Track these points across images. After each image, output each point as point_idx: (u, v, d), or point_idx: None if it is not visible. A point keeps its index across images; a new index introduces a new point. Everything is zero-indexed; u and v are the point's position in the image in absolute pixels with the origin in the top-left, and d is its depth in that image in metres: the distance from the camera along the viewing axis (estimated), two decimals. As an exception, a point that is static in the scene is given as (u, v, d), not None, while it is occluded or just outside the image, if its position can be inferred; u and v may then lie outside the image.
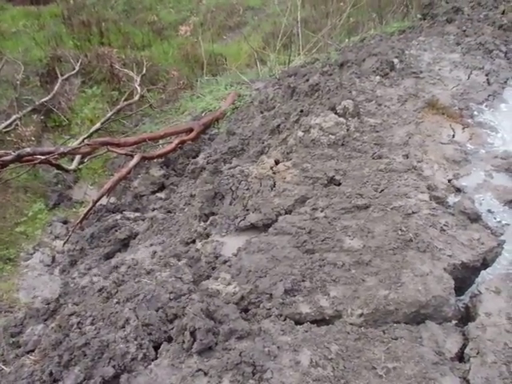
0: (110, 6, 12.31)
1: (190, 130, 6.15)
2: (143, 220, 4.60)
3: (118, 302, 2.87)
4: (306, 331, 2.53)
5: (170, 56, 10.25)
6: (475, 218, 3.25)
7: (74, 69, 8.24)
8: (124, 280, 3.19)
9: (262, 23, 11.72)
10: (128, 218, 4.78)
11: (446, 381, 2.27)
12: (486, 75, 5.20)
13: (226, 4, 13.06)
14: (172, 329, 2.63)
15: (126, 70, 8.39)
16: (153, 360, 2.51)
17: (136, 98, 7.64)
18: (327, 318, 2.65)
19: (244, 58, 9.71)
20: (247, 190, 3.65)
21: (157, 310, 2.74)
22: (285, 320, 2.63)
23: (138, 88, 7.75)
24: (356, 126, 4.13)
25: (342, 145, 3.96)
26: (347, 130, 4.06)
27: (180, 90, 8.37)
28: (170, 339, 2.61)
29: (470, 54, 5.58)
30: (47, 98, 7.34)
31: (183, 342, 2.46)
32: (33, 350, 2.95)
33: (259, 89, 6.77)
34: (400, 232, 3.02)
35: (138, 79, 7.97)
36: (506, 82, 5.13)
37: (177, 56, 10.24)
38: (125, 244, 4.23)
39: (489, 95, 4.87)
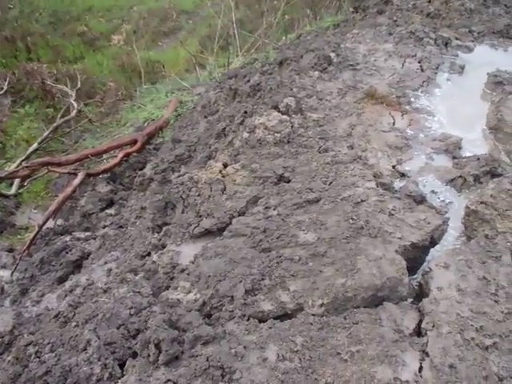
0: (34, 19, 11.87)
1: (134, 142, 6.04)
2: (94, 239, 4.48)
3: (76, 325, 2.80)
4: (270, 328, 2.56)
5: (104, 67, 10.06)
6: (420, 199, 3.38)
7: (2, 88, 7.86)
8: (80, 302, 3.09)
9: (198, 27, 11.70)
10: (78, 239, 4.64)
11: (406, 356, 2.36)
12: (419, 62, 5.42)
13: (158, 9, 12.91)
14: (136, 344, 2.59)
15: (59, 86, 8.09)
16: (119, 378, 2.47)
17: (73, 113, 7.31)
18: (289, 312, 2.69)
19: (182, 64, 9.68)
20: (198, 196, 3.64)
21: (118, 328, 2.69)
22: (248, 320, 2.64)
23: (75, 103, 7.43)
24: (300, 122, 4.20)
25: (288, 142, 4.01)
26: (291, 126, 4.12)
27: (119, 102, 8.21)
28: (134, 355, 2.58)
29: (403, 43, 5.80)
30: (-25, 123, 7.01)
31: (148, 355, 2.43)
32: (-9, 387, 2.84)
33: (201, 93, 6.77)
34: (351, 221, 3.11)
35: (74, 94, 7.66)
36: (437, 67, 5.37)
37: (112, 66, 10.06)
38: (77, 265, 4.10)
39: (423, 81, 5.08)
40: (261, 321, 2.66)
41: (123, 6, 13.64)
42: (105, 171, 5.71)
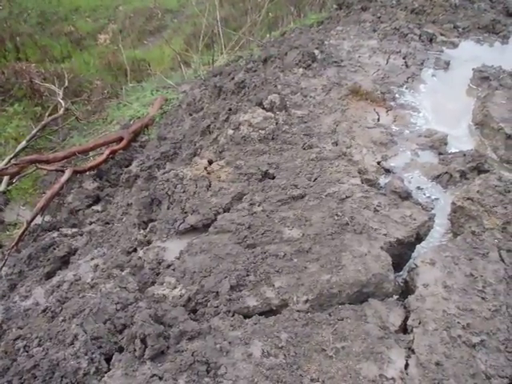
0: (22, 20, 11.87)
1: (120, 139, 6.04)
2: (81, 235, 4.48)
3: (63, 320, 2.80)
4: (255, 323, 2.56)
5: (91, 66, 10.05)
6: (406, 195, 3.40)
7: (-9, 87, 7.90)
8: (68, 297, 3.11)
9: (182, 25, 11.69)
10: (65, 235, 4.63)
11: (392, 353, 2.36)
12: (404, 58, 5.45)
13: (143, 8, 12.91)
14: (122, 339, 2.59)
15: (47, 85, 8.12)
16: (106, 372, 2.47)
17: (61, 111, 7.33)
18: (274, 308, 2.70)
19: (167, 62, 9.67)
20: (183, 192, 3.64)
21: (105, 323, 2.68)
22: (233, 315, 2.64)
23: (62, 101, 7.46)
24: (284, 118, 4.21)
25: (273, 139, 4.02)
26: (276, 123, 4.13)
27: (105, 100, 8.21)
28: (121, 349, 2.57)
29: (387, 40, 5.83)
30: (-36, 121, 7.01)
31: (134, 350, 2.43)
32: (-21, 381, 2.83)
33: (186, 91, 6.76)
34: (336, 217, 3.11)
35: (61, 92, 7.69)
36: (422, 63, 5.40)
37: (98, 65, 10.06)
38: (65, 261, 4.10)
39: (408, 77, 5.11)
40: (246, 316, 2.66)
41: (109, 6, 13.63)
42: (91, 168, 5.71)
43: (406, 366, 2.31)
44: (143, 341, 2.42)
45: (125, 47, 9.51)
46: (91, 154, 6.10)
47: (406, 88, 4.95)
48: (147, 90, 7.78)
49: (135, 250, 3.44)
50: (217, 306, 2.70)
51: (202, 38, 8.08)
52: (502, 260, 2.76)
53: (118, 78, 9.43)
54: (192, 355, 2.36)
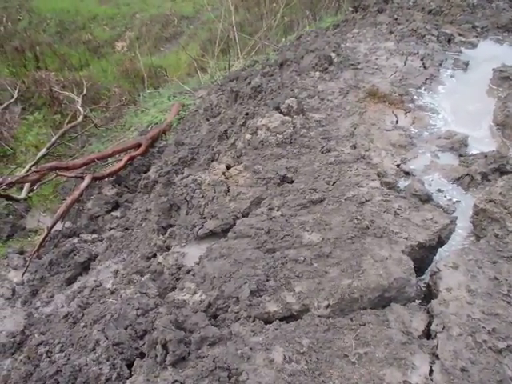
0: (42, 29, 12.07)
1: (138, 146, 6.08)
2: (101, 241, 4.53)
3: (85, 326, 2.83)
4: (276, 329, 2.55)
5: (109, 73, 10.15)
6: (426, 198, 3.35)
7: (13, 96, 8.00)
8: (89, 303, 3.14)
9: (198, 31, 11.75)
10: (85, 241, 4.68)
11: (416, 359, 2.32)
12: (422, 60, 5.39)
13: (160, 16, 13.01)
14: (143, 344, 2.60)
15: (66, 92, 8.22)
16: (127, 378, 2.49)
17: (79, 119, 7.43)
18: (295, 313, 2.68)
19: (184, 68, 9.71)
20: (202, 198, 3.64)
21: (126, 328, 2.70)
22: (254, 321, 2.63)
23: (81, 109, 7.55)
24: (302, 122, 4.19)
25: (291, 143, 4.01)
26: (293, 127, 4.12)
27: (123, 107, 8.27)
28: (142, 355, 2.59)
29: (404, 41, 5.77)
30: (-12, 130, 7.11)
31: (156, 355, 2.44)
32: (3, 386, 2.87)
33: (203, 96, 6.78)
34: (356, 221, 3.08)
35: (80, 100, 7.78)
36: (440, 64, 5.33)
37: (116, 72, 10.15)
38: (85, 267, 4.15)
39: (426, 79, 5.05)
40: (266, 322, 2.65)
41: (126, 14, 13.78)
42: (110, 174, 5.75)
43: (431, 371, 2.27)
44: (164, 346, 2.42)
45: (142, 54, 9.59)
46: (110, 160, 6.15)
47: (425, 89, 4.89)
48: (164, 96, 7.82)
49: (155, 256, 3.46)
50: (237, 312, 2.70)
51: (218, 44, 8.09)
52: (527, 263, 2.69)
53: (135, 84, 9.50)
54: (213, 361, 2.35)
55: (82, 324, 2.86)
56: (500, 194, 3.15)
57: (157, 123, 6.91)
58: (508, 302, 2.49)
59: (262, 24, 8.79)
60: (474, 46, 5.81)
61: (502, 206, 3.09)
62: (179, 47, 10.62)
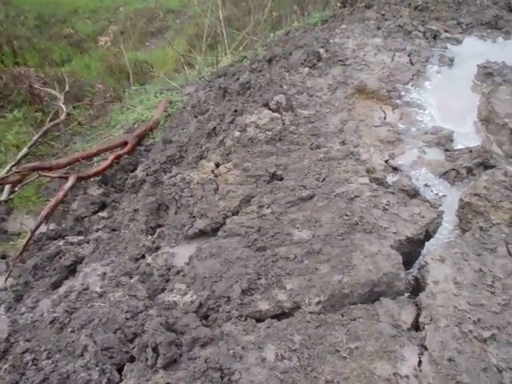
0: (19, 23, 11.79)
1: (125, 144, 5.99)
2: (88, 242, 4.44)
3: (72, 331, 2.77)
4: (268, 327, 2.55)
5: (92, 69, 10.01)
6: (414, 193, 3.39)
7: (-11, 94, 7.84)
8: (76, 307, 3.07)
9: (185, 26, 11.66)
10: (71, 243, 4.59)
11: (405, 351, 2.36)
12: (409, 56, 5.43)
13: (145, 9, 12.87)
14: (133, 348, 2.57)
15: (47, 89, 7.99)
16: (118, 383, 2.46)
17: (62, 117, 7.15)
18: (287, 310, 2.68)
19: (171, 64, 9.62)
20: (191, 196, 3.62)
21: (115, 332, 2.66)
22: (246, 320, 2.63)
23: (63, 106, 7.28)
24: (291, 119, 4.18)
25: (280, 139, 4.00)
26: (283, 124, 4.11)
27: (108, 104, 8.14)
28: (132, 359, 2.56)
29: (391, 37, 5.80)
30: (-37, 130, 6.94)
31: (146, 359, 2.42)
32: (-12, 395, 2.81)
33: (190, 93, 6.73)
34: (345, 217, 3.10)
35: (62, 97, 7.54)
36: (427, 60, 5.38)
37: (100, 68, 10.01)
38: (71, 270, 4.06)
39: (413, 75, 5.09)
40: (258, 320, 2.65)
41: (109, 7, 13.59)
42: (96, 174, 5.65)
43: (419, 363, 2.32)
44: (155, 349, 2.40)
45: (126, 49, 9.48)
46: (95, 159, 6.04)
47: (412, 85, 4.93)
48: (151, 92, 7.73)
49: (143, 257, 3.42)
50: (229, 311, 2.68)
51: (205, 39, 8.03)
52: (510, 254, 2.77)
53: (120, 80, 9.38)
54: (205, 362, 2.34)
55: (69, 329, 2.79)
56: (484, 187, 3.21)
57: (143, 121, 6.82)
58: (492, 293, 2.55)
59: (249, 19, 8.77)
60: (459, 42, 5.86)
61: (486, 200, 3.16)
62: (165, 42, 10.51)
